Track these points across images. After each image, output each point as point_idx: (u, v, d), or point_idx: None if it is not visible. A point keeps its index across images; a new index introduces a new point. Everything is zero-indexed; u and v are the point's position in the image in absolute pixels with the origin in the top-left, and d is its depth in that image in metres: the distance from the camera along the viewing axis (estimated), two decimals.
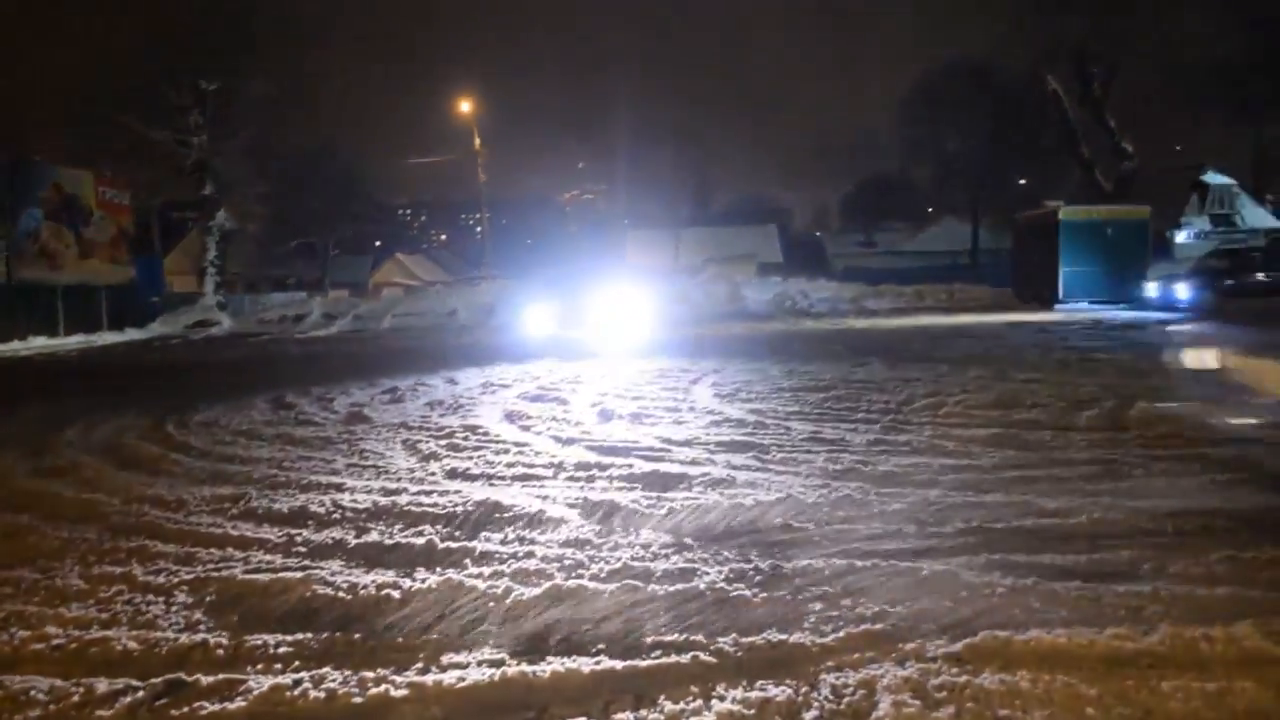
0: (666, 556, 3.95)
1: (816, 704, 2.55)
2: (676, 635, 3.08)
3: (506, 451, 6.54)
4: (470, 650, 3.03)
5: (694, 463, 5.88)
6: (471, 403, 9.31)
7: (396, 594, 3.53)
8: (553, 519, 4.60)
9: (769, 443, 6.46)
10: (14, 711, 2.69)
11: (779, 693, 2.61)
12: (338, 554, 4.19)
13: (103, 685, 2.81)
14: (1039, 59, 39.99)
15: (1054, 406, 7.63)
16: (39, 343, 26.23)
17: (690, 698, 2.62)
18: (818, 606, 3.26)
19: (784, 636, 3.01)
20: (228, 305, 37.59)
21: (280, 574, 3.83)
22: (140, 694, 2.75)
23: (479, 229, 70.68)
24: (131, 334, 30.30)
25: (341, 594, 3.56)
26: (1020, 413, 7.40)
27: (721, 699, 2.60)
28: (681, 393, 9.52)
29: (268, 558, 4.16)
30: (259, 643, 3.12)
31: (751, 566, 3.69)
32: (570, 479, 5.58)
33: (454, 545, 4.21)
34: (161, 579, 3.86)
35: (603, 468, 5.78)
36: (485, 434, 7.31)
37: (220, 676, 2.83)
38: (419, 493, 5.31)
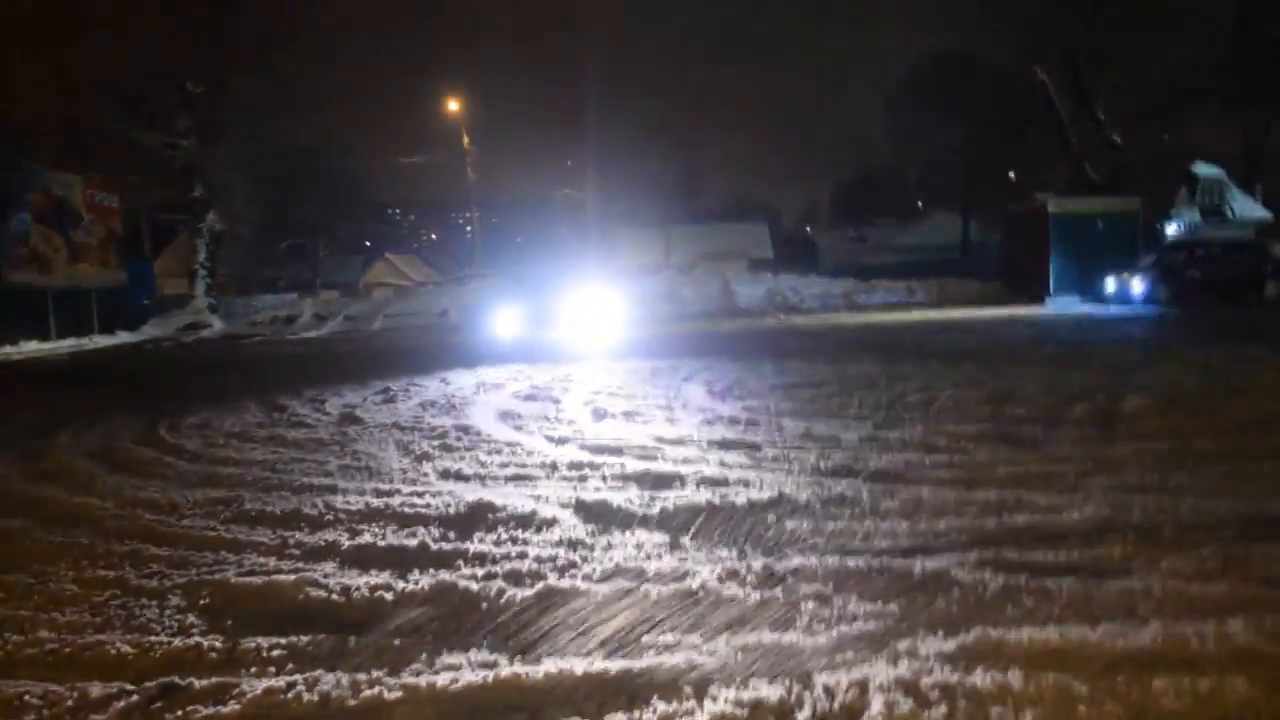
0: (659, 556, 3.95)
1: (809, 703, 2.56)
2: (669, 635, 3.09)
3: (499, 451, 6.54)
4: (463, 651, 3.03)
5: (687, 461, 5.89)
6: (464, 403, 9.31)
7: (390, 596, 3.54)
8: (545, 519, 4.60)
9: (761, 440, 6.48)
10: (8, 716, 2.69)
11: (771, 693, 2.62)
12: (331, 556, 4.19)
13: (96, 689, 2.81)
14: (1028, 51, 39.98)
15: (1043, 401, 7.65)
16: (30, 347, 26.16)
17: (683, 698, 2.63)
18: (810, 605, 3.27)
19: (777, 636, 3.02)
20: (219, 307, 37.42)
21: (274, 577, 3.83)
22: (134, 698, 2.75)
23: (469, 228, 70.54)
24: (123, 337, 30.22)
25: (335, 596, 3.57)
26: (1013, 408, 7.42)
27: (714, 699, 2.60)
28: (674, 390, 9.53)
29: (261, 560, 4.16)
30: (252, 646, 3.12)
31: (744, 566, 3.70)
32: (563, 479, 5.58)
33: (447, 546, 4.21)
34: (155, 583, 3.86)
35: (595, 467, 5.79)
36: (478, 434, 7.31)
37: (214, 680, 2.84)
38: (412, 494, 5.31)
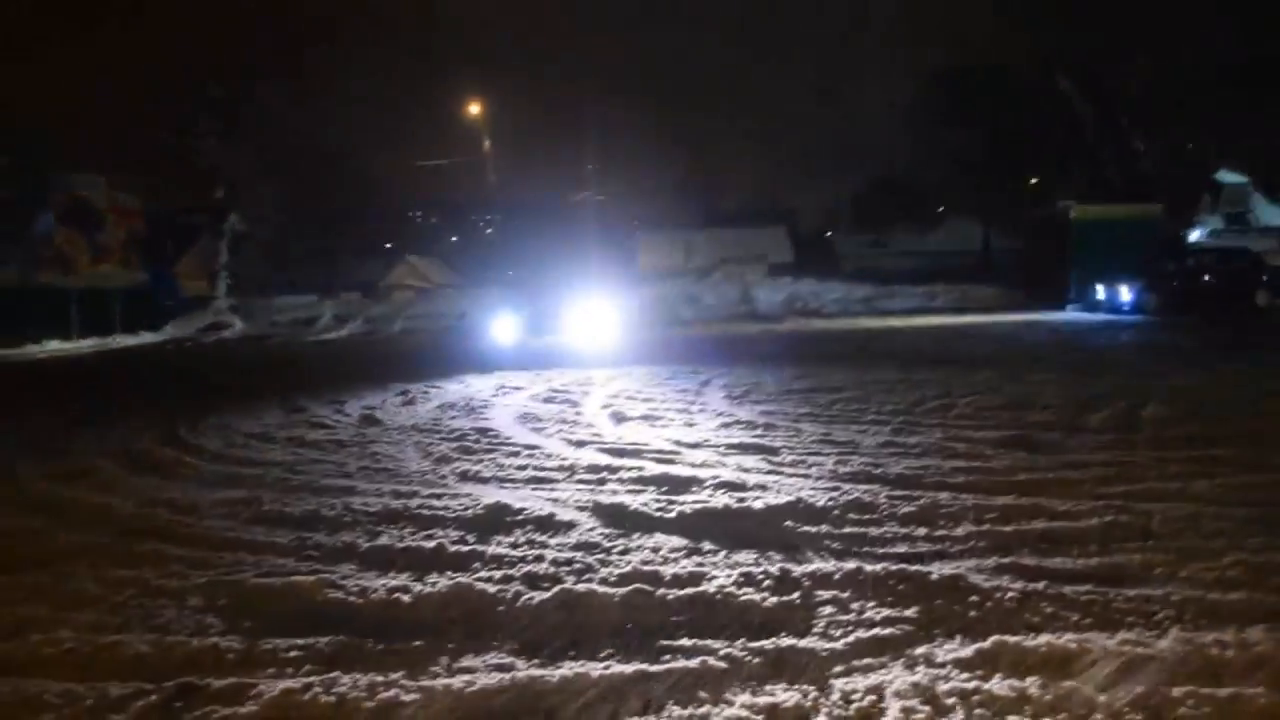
0: (676, 560, 3.95)
1: (825, 709, 2.55)
2: (686, 639, 3.08)
3: (517, 454, 6.55)
4: (480, 654, 3.04)
5: (705, 465, 5.88)
6: (483, 405, 9.33)
7: (407, 598, 3.54)
8: (563, 522, 4.61)
9: (779, 445, 6.46)
10: (28, 715, 2.71)
11: (788, 698, 2.61)
12: (349, 558, 4.20)
13: (115, 689, 2.83)
14: (1050, 59, 39.84)
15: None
16: (53, 346, 26.38)
17: (699, 703, 2.62)
18: (827, 611, 3.26)
19: (793, 641, 3.01)
20: (240, 308, 37.65)
21: (292, 578, 3.84)
22: (153, 698, 2.76)
23: (489, 230, 70.73)
24: (145, 337, 30.43)
25: (353, 598, 3.57)
26: (1032, 414, 7.38)
27: (730, 704, 2.60)
28: (693, 394, 9.53)
29: (280, 561, 4.18)
30: (270, 647, 3.13)
31: (761, 570, 3.69)
32: (581, 481, 5.58)
33: (464, 549, 4.22)
34: (174, 583, 3.88)
35: (614, 470, 5.79)
36: (496, 436, 7.32)
37: (232, 680, 2.85)
38: (430, 496, 5.32)
